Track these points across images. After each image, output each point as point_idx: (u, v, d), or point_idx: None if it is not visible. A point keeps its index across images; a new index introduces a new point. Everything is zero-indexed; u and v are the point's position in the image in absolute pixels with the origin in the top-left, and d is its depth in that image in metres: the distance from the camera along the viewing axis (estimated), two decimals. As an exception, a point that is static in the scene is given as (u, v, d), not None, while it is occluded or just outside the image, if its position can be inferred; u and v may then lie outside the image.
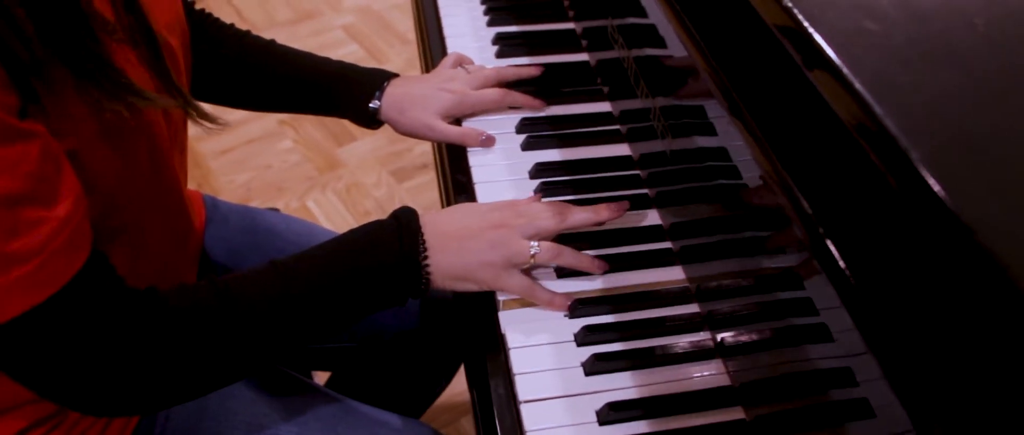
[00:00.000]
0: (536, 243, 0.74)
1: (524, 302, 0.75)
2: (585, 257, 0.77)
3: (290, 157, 2.05)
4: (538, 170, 0.88)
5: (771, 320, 0.67)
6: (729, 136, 0.68)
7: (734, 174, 0.69)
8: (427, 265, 0.73)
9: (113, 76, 0.62)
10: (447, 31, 1.09)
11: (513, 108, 0.95)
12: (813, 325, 0.62)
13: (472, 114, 0.94)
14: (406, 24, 2.47)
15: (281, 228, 1.05)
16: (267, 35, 1.02)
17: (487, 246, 0.74)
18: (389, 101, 0.93)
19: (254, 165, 2.02)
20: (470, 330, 0.79)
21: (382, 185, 1.98)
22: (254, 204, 1.92)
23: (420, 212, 0.76)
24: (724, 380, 0.70)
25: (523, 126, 0.93)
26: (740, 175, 0.68)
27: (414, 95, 0.93)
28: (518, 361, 0.70)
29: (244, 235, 1.02)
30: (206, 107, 0.76)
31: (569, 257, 0.76)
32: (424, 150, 2.05)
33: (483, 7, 1.13)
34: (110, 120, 0.64)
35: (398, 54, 2.35)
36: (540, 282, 0.76)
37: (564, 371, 0.70)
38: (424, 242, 0.73)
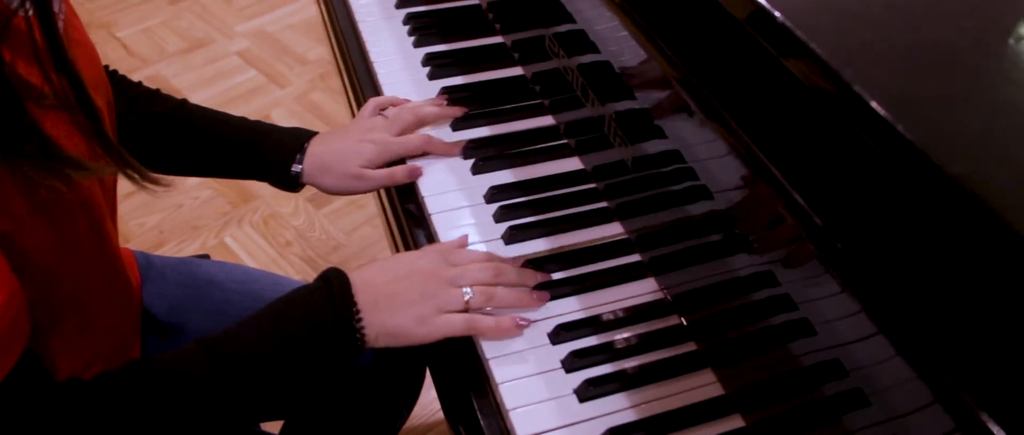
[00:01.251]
0: (468, 288, 0.72)
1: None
2: (523, 294, 0.75)
3: (201, 193, 1.97)
4: (493, 194, 0.86)
5: (753, 321, 0.67)
6: (694, 137, 0.68)
7: (697, 176, 0.69)
8: (361, 327, 0.70)
9: (47, 150, 0.57)
10: (373, 57, 1.05)
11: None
12: (795, 321, 0.62)
13: (393, 160, 0.91)
14: (304, 44, 2.41)
15: (220, 277, 1.00)
16: (159, 68, 0.98)
17: (418, 298, 0.72)
18: (311, 162, 0.90)
19: (163, 206, 1.93)
20: (446, 364, 0.77)
21: (300, 213, 1.92)
22: (168, 246, 1.85)
23: (348, 272, 0.73)
24: (718, 389, 0.70)
25: (470, 150, 0.91)
26: (698, 176, 0.67)
27: (336, 152, 0.90)
28: (509, 396, 0.68)
29: (184, 289, 0.97)
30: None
31: (505, 297, 0.74)
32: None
33: (406, 28, 1.10)
34: (44, 195, 0.60)
35: (299, 76, 2.29)
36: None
37: (558, 400, 0.68)
38: (356, 303, 0.70)
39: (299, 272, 1.78)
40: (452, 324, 0.71)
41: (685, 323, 0.74)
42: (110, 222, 0.75)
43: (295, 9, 2.56)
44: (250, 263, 1.78)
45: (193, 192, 1.97)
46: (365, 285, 0.71)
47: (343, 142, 0.91)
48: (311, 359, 0.69)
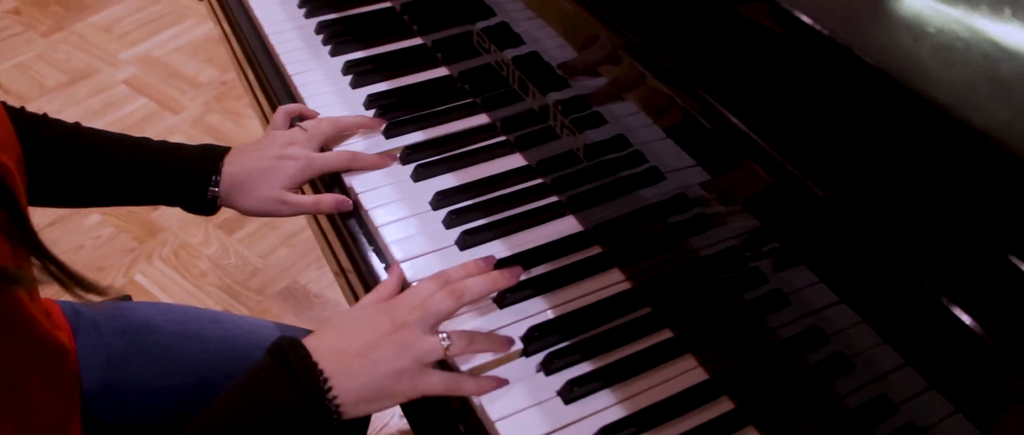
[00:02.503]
0: (445, 334, 0.66)
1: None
2: (497, 338, 0.69)
3: (102, 232, 1.86)
4: (440, 200, 0.83)
5: (725, 300, 0.66)
6: (640, 118, 0.66)
7: (647, 159, 0.67)
8: (334, 398, 0.62)
9: None
10: (290, 70, 1.00)
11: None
12: (767, 294, 0.61)
13: (317, 177, 0.86)
14: (194, 67, 2.31)
15: (156, 320, 0.94)
16: (40, 104, 0.91)
17: (394, 352, 0.64)
18: (229, 183, 0.83)
19: (63, 249, 1.82)
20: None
21: (212, 241, 1.84)
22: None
23: (303, 340, 0.65)
24: (702, 374, 0.68)
25: (407, 156, 0.88)
26: (648, 159, 0.66)
27: (255, 171, 0.83)
28: (493, 409, 0.65)
29: (120, 338, 0.90)
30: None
31: (482, 342, 0.68)
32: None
33: (320, 37, 1.06)
34: None
35: (193, 100, 2.19)
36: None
37: (543, 405, 0.66)
38: (322, 372, 0.62)
39: (219, 303, 1.70)
40: (438, 383, 0.65)
41: (655, 311, 0.73)
42: (37, 298, 0.69)
43: (180, 31, 2.45)
44: (166, 300, 1.70)
45: (93, 231, 1.86)
46: (329, 350, 0.63)
47: (261, 159, 0.85)
48: None
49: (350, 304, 0.93)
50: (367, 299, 0.72)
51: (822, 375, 0.59)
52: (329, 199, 0.84)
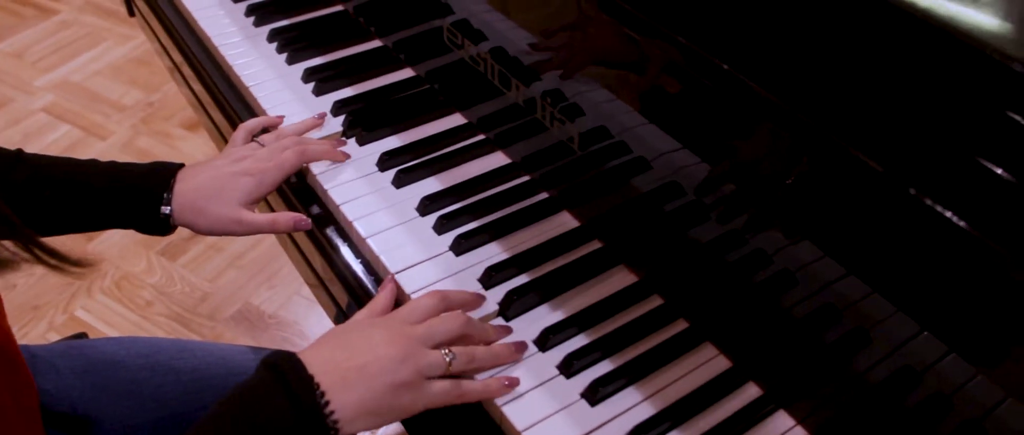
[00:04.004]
0: (447, 350, 0.63)
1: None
2: (502, 349, 0.67)
3: (35, 268, 1.76)
4: (426, 205, 0.79)
5: (734, 283, 0.65)
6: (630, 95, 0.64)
7: (642, 146, 0.66)
8: (332, 413, 0.59)
9: None
10: (248, 83, 0.95)
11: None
12: (776, 273, 0.60)
13: (274, 188, 0.81)
14: (117, 89, 2.21)
15: (120, 354, 0.88)
16: None
17: (395, 363, 0.61)
18: (182, 201, 0.78)
19: (-7, 291, 1.71)
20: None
21: (155, 269, 1.76)
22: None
23: (299, 352, 0.62)
24: (724, 362, 0.67)
25: (385, 162, 0.84)
26: (634, 149, 0.64)
27: (209, 188, 0.78)
28: (517, 418, 0.62)
29: (82, 378, 0.84)
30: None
31: (485, 358, 0.65)
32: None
33: (273, 46, 1.01)
34: None
35: (119, 124, 2.10)
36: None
37: (569, 409, 0.63)
38: (319, 386, 0.59)
39: (170, 332, 1.62)
40: (441, 392, 0.62)
41: (667, 301, 0.71)
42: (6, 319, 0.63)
43: (98, 54, 2.35)
44: (113, 335, 1.61)
45: (25, 268, 1.75)
46: (325, 363, 0.60)
47: (215, 178, 0.79)
48: None
49: (331, 315, 0.89)
50: (361, 314, 0.69)
51: (841, 349, 0.58)
52: (286, 217, 0.79)
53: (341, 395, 0.59)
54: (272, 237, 1.83)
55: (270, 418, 0.57)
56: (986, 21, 0.48)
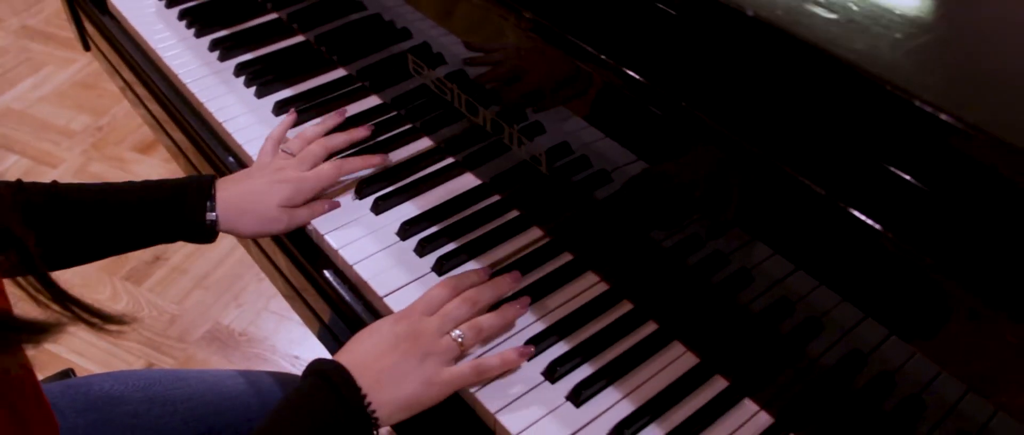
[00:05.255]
0: (457, 331, 0.72)
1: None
2: (507, 310, 0.75)
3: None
4: (406, 229, 0.85)
5: (694, 284, 0.72)
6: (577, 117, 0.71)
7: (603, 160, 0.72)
8: (373, 411, 0.67)
9: (16, 328, 0.50)
10: (220, 116, 1.00)
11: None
12: (733, 273, 0.67)
13: (312, 196, 0.87)
14: (64, 115, 2.21)
15: (118, 390, 0.92)
16: None
17: (418, 362, 0.69)
18: (225, 207, 0.84)
19: (-42, 329, 1.71)
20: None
21: (121, 295, 1.78)
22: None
23: (337, 359, 0.70)
24: (692, 359, 0.74)
25: (363, 189, 0.89)
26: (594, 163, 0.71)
27: (250, 194, 0.85)
28: (512, 424, 0.69)
29: (84, 416, 0.87)
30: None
31: (491, 325, 0.74)
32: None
33: (241, 79, 1.05)
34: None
35: (69, 150, 2.10)
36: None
37: (557, 412, 0.69)
38: (360, 388, 0.67)
39: (141, 357, 1.65)
40: (461, 376, 0.70)
41: (636, 305, 0.78)
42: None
43: (40, 80, 2.34)
44: (86, 365, 1.63)
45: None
46: (359, 367, 0.68)
47: (256, 183, 0.87)
48: None
49: (315, 331, 0.95)
50: (398, 312, 0.75)
51: (799, 341, 0.66)
52: (321, 205, 0.88)
53: (377, 394, 0.67)
54: (235, 257, 1.86)
55: (323, 420, 0.66)
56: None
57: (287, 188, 0.85)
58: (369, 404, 0.67)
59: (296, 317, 1.71)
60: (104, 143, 2.13)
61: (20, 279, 0.53)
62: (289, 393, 0.68)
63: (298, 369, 1.58)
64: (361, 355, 0.69)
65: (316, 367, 0.68)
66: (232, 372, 0.99)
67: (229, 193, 0.85)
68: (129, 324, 0.63)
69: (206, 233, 0.85)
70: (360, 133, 0.93)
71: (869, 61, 0.51)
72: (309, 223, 0.86)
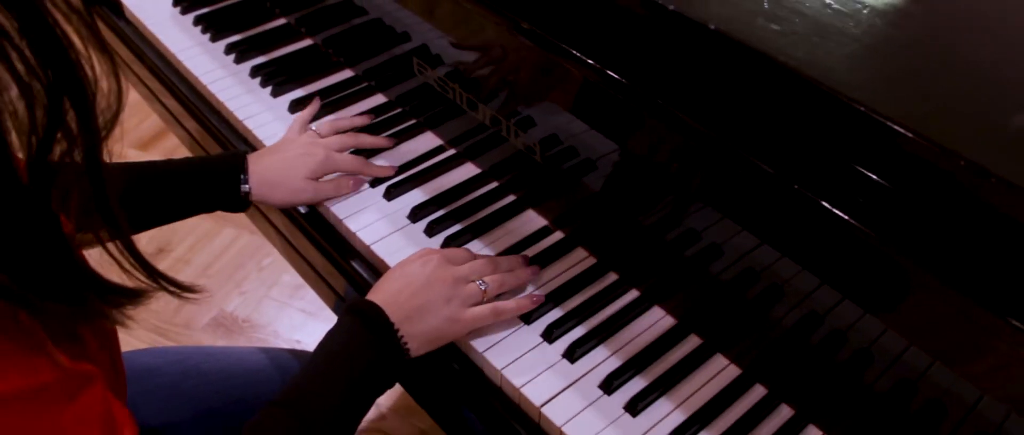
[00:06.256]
0: (481, 281, 0.82)
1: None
2: (523, 272, 0.86)
3: (11, 295, 1.85)
4: (416, 213, 0.95)
5: (668, 254, 0.82)
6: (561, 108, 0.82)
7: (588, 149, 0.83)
8: (404, 343, 0.78)
9: (112, 289, 0.60)
10: (240, 115, 1.09)
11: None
12: (704, 247, 0.78)
13: (333, 171, 0.98)
14: (64, 115, 2.28)
15: (157, 363, 1.01)
16: None
17: (444, 301, 0.80)
18: (257, 179, 0.95)
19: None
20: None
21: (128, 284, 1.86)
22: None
23: (370, 297, 0.79)
24: (670, 320, 0.85)
25: (376, 179, 1.00)
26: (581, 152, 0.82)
27: (280, 165, 0.96)
28: (516, 379, 0.79)
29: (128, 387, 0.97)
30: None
31: (511, 279, 0.85)
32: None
33: (257, 80, 1.15)
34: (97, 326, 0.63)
35: (71, 148, 2.18)
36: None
37: (555, 367, 0.80)
38: (392, 323, 0.77)
39: (150, 344, 1.74)
40: (481, 316, 0.81)
41: (621, 276, 0.89)
42: None
43: None
44: (97, 349, 1.72)
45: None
46: (390, 304, 0.78)
47: (285, 156, 0.97)
48: (373, 388, 0.76)
49: (330, 304, 1.05)
50: (425, 252, 0.85)
51: (763, 307, 0.77)
52: (347, 182, 0.98)
53: (408, 327, 0.78)
54: (236, 247, 1.96)
55: (366, 352, 0.76)
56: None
57: (314, 160, 0.96)
58: (402, 337, 0.77)
59: (296, 304, 1.82)
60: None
61: (114, 254, 0.63)
62: (331, 330, 0.78)
63: (302, 351, 1.67)
64: (393, 293, 0.79)
65: (353, 305, 0.79)
66: (254, 349, 1.09)
67: (261, 166, 0.95)
68: (200, 292, 0.73)
69: (240, 203, 0.95)
70: (384, 142, 1.04)
71: (806, 65, 0.62)
72: (329, 205, 0.97)
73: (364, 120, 1.07)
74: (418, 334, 0.78)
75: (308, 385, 0.74)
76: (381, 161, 1.02)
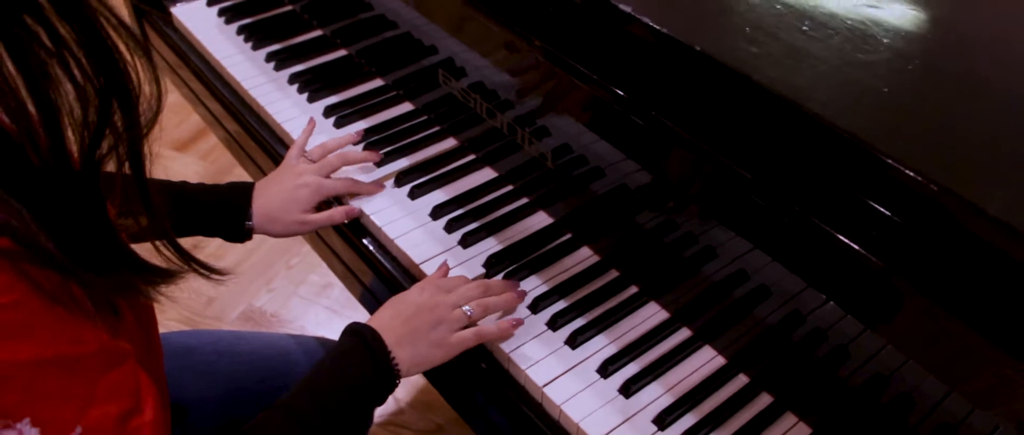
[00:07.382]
0: (468, 307, 0.89)
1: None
2: (508, 294, 0.93)
3: (53, 284, 1.95)
4: (437, 211, 1.04)
5: (665, 256, 0.91)
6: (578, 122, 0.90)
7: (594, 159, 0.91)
8: (396, 365, 0.84)
9: (145, 268, 0.66)
10: (279, 118, 1.19)
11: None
12: (701, 250, 0.86)
13: (325, 198, 1.06)
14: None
15: (192, 343, 1.10)
16: None
17: (431, 327, 0.86)
18: (259, 215, 1.03)
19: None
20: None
21: (163, 278, 1.97)
22: None
23: (369, 322, 0.87)
24: (664, 314, 0.93)
25: (400, 180, 1.09)
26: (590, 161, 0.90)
27: (278, 202, 1.04)
28: (521, 359, 0.88)
29: (165, 363, 1.06)
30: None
31: (496, 304, 0.91)
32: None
33: (295, 87, 1.25)
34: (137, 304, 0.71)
35: (112, 148, 2.29)
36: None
37: (557, 353, 0.89)
38: (386, 344, 0.84)
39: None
40: (465, 340, 0.87)
41: (622, 274, 0.97)
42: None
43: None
44: (133, 337, 1.82)
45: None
46: (386, 329, 0.85)
47: (281, 191, 1.04)
48: (366, 402, 0.84)
49: (357, 294, 1.14)
50: (421, 283, 0.93)
51: (747, 301, 0.85)
52: (340, 211, 1.06)
53: (399, 351, 0.85)
54: (266, 247, 2.05)
55: (363, 369, 0.83)
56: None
57: (308, 191, 1.04)
58: (393, 359, 0.84)
59: (323, 302, 1.92)
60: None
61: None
62: (330, 349, 0.85)
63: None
64: (388, 319, 0.87)
65: (352, 328, 0.86)
66: (283, 334, 1.18)
67: (261, 202, 1.03)
68: (227, 276, 0.82)
69: (241, 235, 1.04)
70: (373, 156, 1.11)
71: (781, 84, 0.70)
72: (355, 203, 1.06)
73: (353, 137, 1.14)
74: (407, 357, 0.85)
75: (308, 394, 0.81)
76: (402, 163, 1.11)
